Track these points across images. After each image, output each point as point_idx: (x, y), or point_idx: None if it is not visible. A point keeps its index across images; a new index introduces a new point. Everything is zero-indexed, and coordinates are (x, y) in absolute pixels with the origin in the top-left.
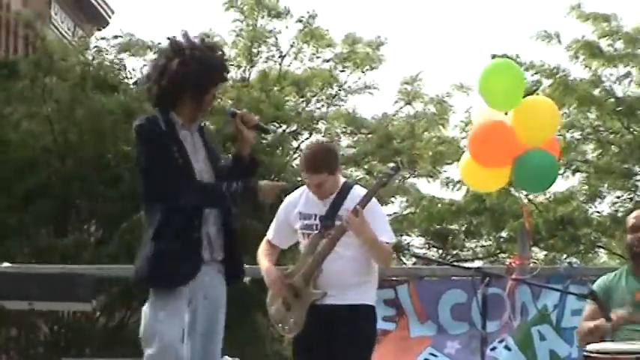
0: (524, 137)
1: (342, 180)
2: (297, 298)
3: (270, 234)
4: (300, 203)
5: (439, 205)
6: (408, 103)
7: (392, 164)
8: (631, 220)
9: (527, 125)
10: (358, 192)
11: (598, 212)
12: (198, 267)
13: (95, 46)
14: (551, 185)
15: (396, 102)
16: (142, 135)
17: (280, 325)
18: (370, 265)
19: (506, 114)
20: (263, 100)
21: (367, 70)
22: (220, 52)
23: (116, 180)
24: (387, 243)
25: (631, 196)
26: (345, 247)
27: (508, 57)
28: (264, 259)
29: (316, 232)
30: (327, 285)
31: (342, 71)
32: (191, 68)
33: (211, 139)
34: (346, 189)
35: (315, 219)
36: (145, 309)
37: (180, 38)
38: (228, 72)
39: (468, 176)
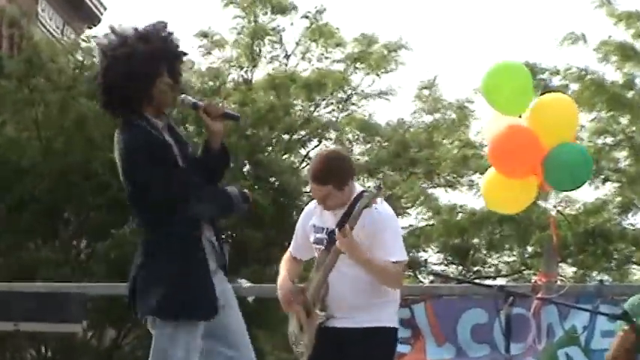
0: (545, 138)
1: (358, 189)
2: (308, 318)
3: (291, 246)
4: (315, 214)
5: (459, 215)
6: (430, 113)
7: (376, 182)
8: None
9: (547, 125)
10: (376, 208)
11: (632, 225)
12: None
13: (86, 46)
14: (588, 177)
15: (415, 112)
16: (134, 148)
17: (294, 346)
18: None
19: (520, 117)
20: (273, 104)
21: (382, 72)
22: (160, 37)
23: (105, 188)
24: (396, 262)
25: None
26: (348, 265)
27: (529, 63)
28: (282, 270)
29: (324, 247)
30: (334, 306)
31: (355, 73)
32: (119, 69)
33: (179, 133)
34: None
35: (325, 232)
36: (164, 347)
37: (103, 39)
38: (174, 53)
39: (491, 197)
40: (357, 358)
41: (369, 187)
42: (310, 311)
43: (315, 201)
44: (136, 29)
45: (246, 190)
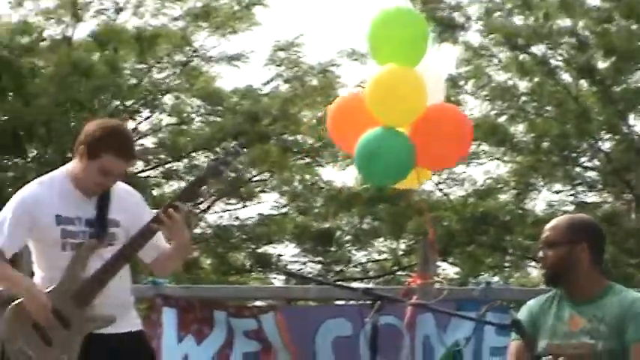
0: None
1: None
2: (63, 329)
3: (5, 241)
4: (54, 203)
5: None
6: (281, 75)
7: (233, 144)
8: (546, 232)
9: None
10: (123, 187)
11: (524, 210)
12: None
13: None
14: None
15: (270, 80)
16: None
17: None
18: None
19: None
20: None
21: (231, 33)
22: None
23: None
24: None
25: (572, 191)
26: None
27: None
28: (11, 272)
29: (85, 240)
30: (106, 307)
31: (197, 33)
32: None
33: None
34: None
35: (81, 224)
36: None
37: None
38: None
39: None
40: None
41: (227, 147)
42: (67, 318)
43: (41, 186)
44: None
45: None
